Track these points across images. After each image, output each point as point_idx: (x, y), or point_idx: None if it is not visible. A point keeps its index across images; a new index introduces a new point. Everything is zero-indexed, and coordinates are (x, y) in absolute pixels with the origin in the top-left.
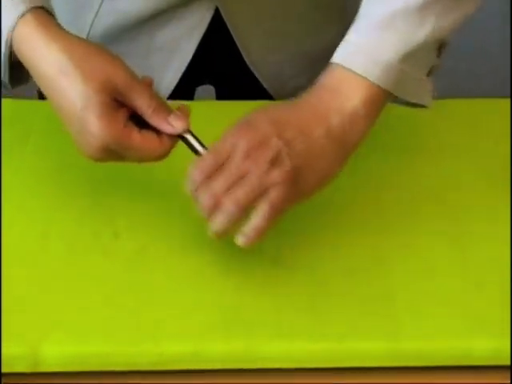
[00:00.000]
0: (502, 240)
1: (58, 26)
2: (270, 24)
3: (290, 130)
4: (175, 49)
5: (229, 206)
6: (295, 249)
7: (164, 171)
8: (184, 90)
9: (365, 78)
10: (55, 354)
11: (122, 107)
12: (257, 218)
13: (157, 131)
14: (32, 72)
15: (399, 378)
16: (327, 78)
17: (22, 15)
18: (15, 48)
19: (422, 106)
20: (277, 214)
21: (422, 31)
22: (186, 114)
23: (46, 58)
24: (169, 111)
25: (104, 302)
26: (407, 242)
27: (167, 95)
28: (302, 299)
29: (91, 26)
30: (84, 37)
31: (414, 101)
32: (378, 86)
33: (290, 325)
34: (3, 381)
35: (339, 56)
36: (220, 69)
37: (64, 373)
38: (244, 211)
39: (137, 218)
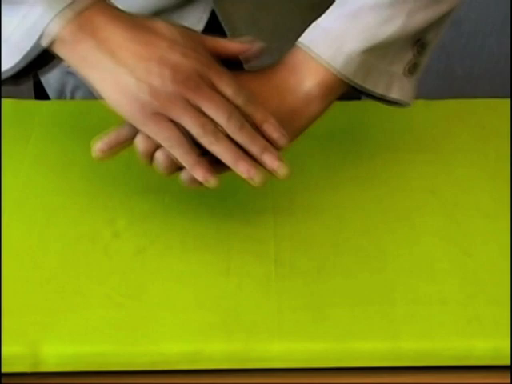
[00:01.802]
0: (501, 240)
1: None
2: (266, 25)
3: None
4: None
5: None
6: (295, 249)
7: None
8: None
9: (324, 61)
10: (55, 354)
11: None
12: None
13: None
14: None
15: (399, 378)
16: (288, 57)
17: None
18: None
19: (400, 105)
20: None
21: (389, 27)
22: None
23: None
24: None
25: (104, 302)
26: (407, 242)
27: None
28: (302, 299)
29: None
30: None
31: (381, 93)
32: (336, 71)
33: (289, 325)
34: (3, 381)
35: (304, 37)
36: None
37: (64, 373)
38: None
39: (137, 218)
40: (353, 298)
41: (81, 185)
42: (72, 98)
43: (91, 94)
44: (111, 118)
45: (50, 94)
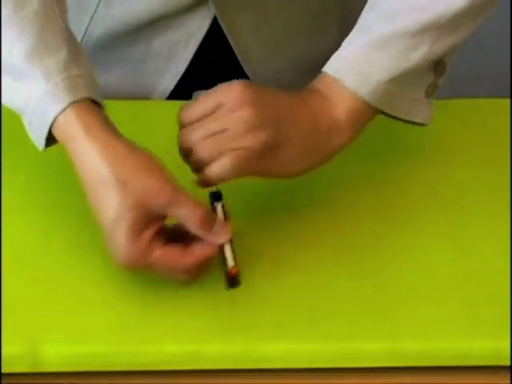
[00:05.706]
0: (501, 240)
1: (104, 123)
2: (269, 33)
3: (281, 110)
4: (172, 55)
5: (200, 152)
6: (295, 249)
7: None
8: (181, 94)
9: (351, 91)
10: (55, 354)
11: (152, 222)
12: (215, 166)
13: (185, 244)
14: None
15: (399, 378)
16: (318, 84)
17: (63, 111)
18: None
19: (420, 124)
20: (235, 172)
21: (415, 55)
22: (227, 226)
23: (86, 165)
24: (213, 221)
25: (104, 302)
26: (407, 243)
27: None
28: (302, 300)
29: (86, 31)
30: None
31: (404, 118)
32: (363, 101)
33: (289, 325)
34: (3, 381)
35: (331, 67)
36: (218, 76)
37: (64, 373)
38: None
39: None
40: (353, 298)
41: (81, 185)
42: None
43: None
44: (111, 120)
45: None
